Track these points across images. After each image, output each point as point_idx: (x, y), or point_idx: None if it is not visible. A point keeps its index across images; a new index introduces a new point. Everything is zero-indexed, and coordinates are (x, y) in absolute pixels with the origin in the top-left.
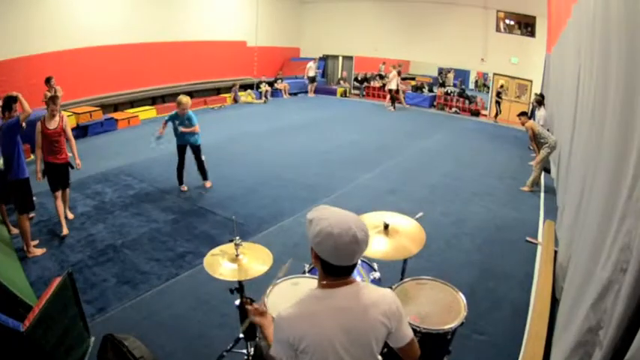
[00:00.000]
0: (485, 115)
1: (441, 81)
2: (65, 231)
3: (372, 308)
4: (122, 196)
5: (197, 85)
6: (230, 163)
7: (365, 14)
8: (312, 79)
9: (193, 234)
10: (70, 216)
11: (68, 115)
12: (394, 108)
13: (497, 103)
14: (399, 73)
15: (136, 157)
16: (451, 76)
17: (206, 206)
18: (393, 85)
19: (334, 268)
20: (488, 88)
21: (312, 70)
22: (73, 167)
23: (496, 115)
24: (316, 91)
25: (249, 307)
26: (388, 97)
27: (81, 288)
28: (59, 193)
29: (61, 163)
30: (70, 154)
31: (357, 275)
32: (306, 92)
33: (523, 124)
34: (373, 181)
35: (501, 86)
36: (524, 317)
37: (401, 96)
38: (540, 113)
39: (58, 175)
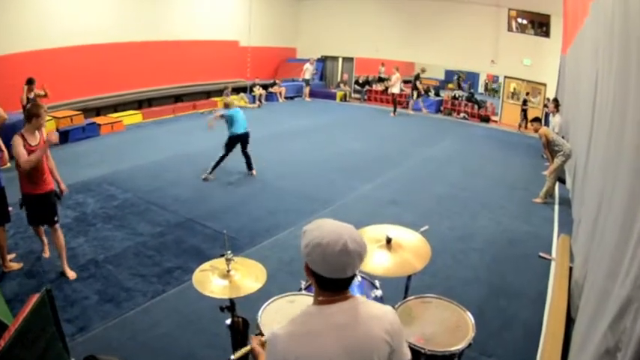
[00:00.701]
0: (496, 121)
1: (456, 86)
2: (71, 275)
3: (373, 325)
4: (105, 207)
5: (186, 88)
6: (221, 173)
7: (367, 12)
8: (307, 82)
9: (181, 248)
10: (71, 275)
11: (47, 120)
12: (395, 112)
13: (524, 111)
14: (417, 77)
15: (120, 165)
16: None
17: (195, 218)
18: (396, 89)
19: (327, 282)
20: (496, 91)
21: (308, 71)
22: (60, 197)
23: (520, 125)
24: (313, 95)
25: (253, 339)
26: (417, 99)
27: (60, 306)
28: (42, 229)
29: (46, 193)
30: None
31: (356, 292)
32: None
33: (536, 130)
34: (375, 191)
35: (527, 94)
36: (536, 338)
37: (411, 101)
38: (555, 119)
39: (43, 208)
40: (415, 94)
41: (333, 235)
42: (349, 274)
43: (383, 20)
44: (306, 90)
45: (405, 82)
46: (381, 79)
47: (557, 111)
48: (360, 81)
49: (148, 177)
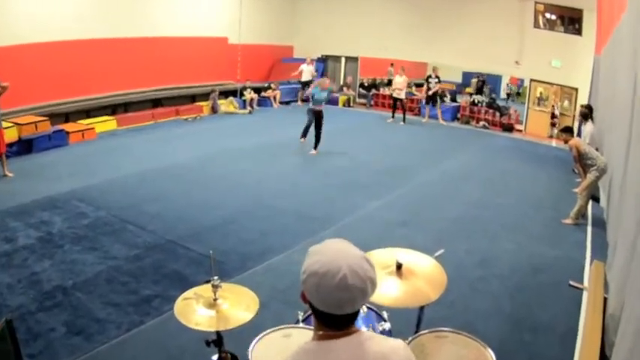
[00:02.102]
0: (521, 131)
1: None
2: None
3: None
4: (74, 226)
5: (167, 91)
6: (207, 187)
7: (374, 6)
8: (305, 85)
9: (161, 273)
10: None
11: (7, 127)
12: (404, 121)
13: (553, 125)
14: (438, 80)
15: (92, 178)
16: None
17: (177, 240)
18: (402, 94)
19: (325, 317)
20: (519, 94)
21: (305, 73)
22: None
23: (551, 136)
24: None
25: None
26: (432, 108)
27: (22, 339)
28: None
29: None
30: None
31: (361, 325)
32: (304, 101)
33: (566, 141)
34: (382, 210)
35: (553, 107)
36: None
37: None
38: (587, 129)
39: None
40: (425, 98)
41: (332, 264)
42: (348, 311)
43: (392, 15)
44: (302, 94)
45: (417, 85)
46: (390, 82)
47: (590, 119)
48: (366, 84)
49: (124, 192)
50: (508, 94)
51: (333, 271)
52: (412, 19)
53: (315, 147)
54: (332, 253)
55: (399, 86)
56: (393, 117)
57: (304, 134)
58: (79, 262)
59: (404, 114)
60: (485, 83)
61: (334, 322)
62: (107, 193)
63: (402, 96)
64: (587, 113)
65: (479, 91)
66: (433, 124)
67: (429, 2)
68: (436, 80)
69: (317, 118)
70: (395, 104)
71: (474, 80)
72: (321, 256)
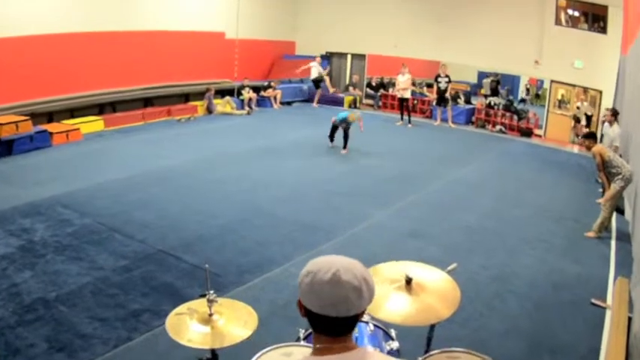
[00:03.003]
0: (540, 136)
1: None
2: None
3: None
4: (57, 234)
5: (159, 89)
6: (201, 194)
7: (382, 1)
8: (317, 84)
9: (151, 286)
10: None
11: None
12: (410, 123)
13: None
14: (448, 79)
15: (77, 183)
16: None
17: (168, 250)
18: (407, 94)
19: (319, 320)
20: (538, 97)
21: (315, 70)
22: None
23: (573, 142)
24: (319, 100)
25: None
26: (444, 110)
27: (1, 355)
28: None
29: None
30: None
31: (368, 345)
32: (307, 101)
33: (589, 148)
34: (391, 220)
35: (589, 115)
36: None
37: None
38: (612, 130)
39: None
40: (436, 99)
41: (326, 265)
42: (342, 312)
43: (403, 10)
44: (317, 94)
45: (428, 85)
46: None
47: (616, 123)
48: (374, 83)
49: (111, 198)
50: (523, 99)
51: (326, 268)
52: (424, 14)
53: (345, 146)
54: (328, 259)
55: (404, 85)
56: (402, 119)
57: (331, 138)
58: (62, 273)
59: (409, 115)
60: (500, 83)
61: (330, 328)
62: (93, 199)
63: (408, 95)
64: (613, 118)
65: (493, 92)
66: (445, 128)
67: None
68: (446, 80)
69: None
70: (402, 105)
71: (486, 80)
72: (316, 260)
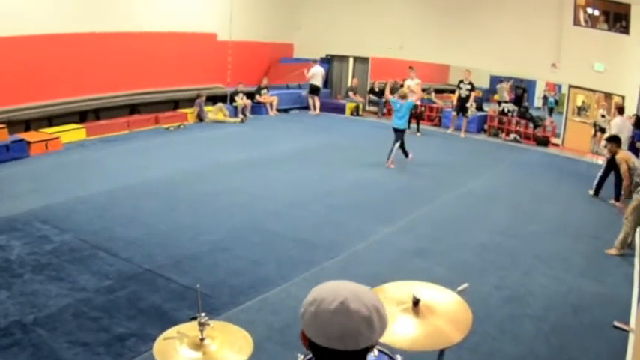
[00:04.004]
0: (557, 145)
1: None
2: None
3: None
4: (36, 252)
5: (145, 95)
6: (192, 208)
7: (387, 1)
8: (316, 90)
9: (138, 308)
10: None
11: None
12: (419, 132)
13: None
14: (471, 86)
15: (57, 196)
16: (505, 87)
17: (156, 269)
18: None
19: (327, 354)
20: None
21: (317, 76)
22: None
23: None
24: (314, 107)
25: None
26: (459, 118)
27: None
28: None
29: None
30: None
31: None
32: (305, 108)
33: (613, 153)
34: (397, 236)
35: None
36: None
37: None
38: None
39: None
40: (456, 106)
41: (332, 292)
42: (351, 345)
43: (409, 9)
44: (316, 101)
45: (437, 90)
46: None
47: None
48: (378, 89)
49: (94, 213)
50: (551, 108)
51: (333, 296)
52: (432, 13)
53: (407, 155)
54: (334, 285)
55: (410, 90)
56: (409, 127)
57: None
58: (41, 294)
59: (418, 124)
60: (526, 92)
61: None
62: (75, 214)
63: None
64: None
65: (518, 100)
66: (456, 137)
67: None
68: (469, 87)
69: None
70: (410, 113)
71: (501, 86)
72: (322, 287)
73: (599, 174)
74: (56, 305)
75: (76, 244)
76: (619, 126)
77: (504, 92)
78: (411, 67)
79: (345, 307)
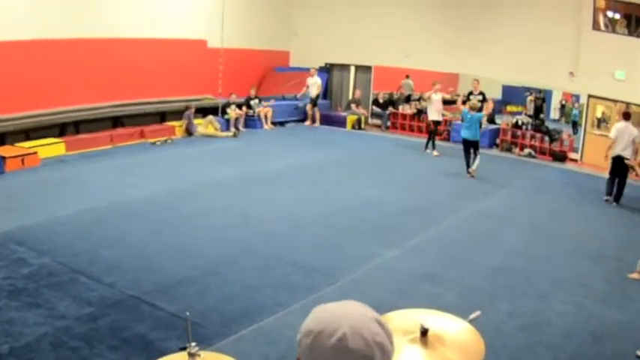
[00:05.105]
0: (575, 160)
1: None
2: None
3: None
4: (11, 276)
5: (129, 107)
6: (180, 230)
7: (389, 5)
8: (314, 102)
9: (121, 338)
10: None
11: None
12: (435, 149)
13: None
14: (483, 97)
15: (34, 216)
16: (532, 99)
17: (141, 295)
18: (435, 115)
19: None
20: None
21: (315, 86)
22: None
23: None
24: (313, 120)
25: None
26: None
27: None
28: None
29: None
30: None
31: None
32: (301, 120)
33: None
34: (402, 260)
35: None
36: None
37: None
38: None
39: None
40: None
41: (330, 322)
42: None
43: (414, 14)
44: (316, 113)
45: (446, 102)
46: (409, 98)
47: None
48: (381, 100)
49: (74, 234)
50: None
51: (330, 330)
52: (440, 18)
53: (472, 165)
54: (335, 310)
55: (439, 105)
56: (427, 147)
57: (468, 166)
58: (17, 322)
59: (433, 140)
60: (545, 102)
61: None
62: (53, 235)
63: (435, 117)
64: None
65: (537, 112)
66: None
67: (459, 1)
68: (480, 98)
69: (468, 147)
70: (432, 130)
71: (530, 98)
72: (321, 313)
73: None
74: (33, 334)
75: (54, 268)
76: (618, 130)
77: (532, 105)
78: (434, 82)
79: (344, 345)
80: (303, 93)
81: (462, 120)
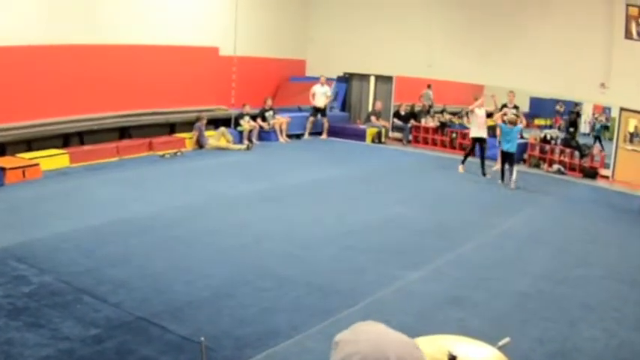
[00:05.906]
0: (607, 177)
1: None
2: None
3: None
4: (11, 295)
5: (137, 117)
6: (191, 248)
7: (411, 12)
8: (322, 112)
9: None
10: None
11: None
12: (463, 165)
13: None
14: (517, 110)
15: (36, 232)
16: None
17: (149, 317)
18: (479, 131)
19: None
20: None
21: (320, 96)
22: None
23: None
24: (332, 132)
25: None
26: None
27: None
28: None
29: None
30: None
31: None
32: (319, 133)
33: None
34: (426, 283)
35: None
36: None
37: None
38: None
39: None
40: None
41: (375, 348)
42: None
43: (438, 22)
44: (325, 123)
45: (453, 113)
46: (429, 111)
47: None
48: (403, 112)
49: (78, 251)
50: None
51: (375, 357)
52: (465, 27)
53: (511, 177)
54: (372, 339)
55: (482, 120)
56: (463, 163)
57: (502, 176)
58: (17, 343)
59: (466, 156)
60: (580, 116)
61: None
62: (56, 252)
63: (480, 134)
64: None
65: (572, 126)
66: (488, 168)
67: (485, 8)
68: (514, 112)
69: (505, 159)
70: (475, 147)
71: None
72: (357, 345)
73: None
74: (34, 356)
75: (57, 287)
76: None
77: (565, 120)
78: (476, 98)
79: None
80: (318, 102)
81: (500, 134)
